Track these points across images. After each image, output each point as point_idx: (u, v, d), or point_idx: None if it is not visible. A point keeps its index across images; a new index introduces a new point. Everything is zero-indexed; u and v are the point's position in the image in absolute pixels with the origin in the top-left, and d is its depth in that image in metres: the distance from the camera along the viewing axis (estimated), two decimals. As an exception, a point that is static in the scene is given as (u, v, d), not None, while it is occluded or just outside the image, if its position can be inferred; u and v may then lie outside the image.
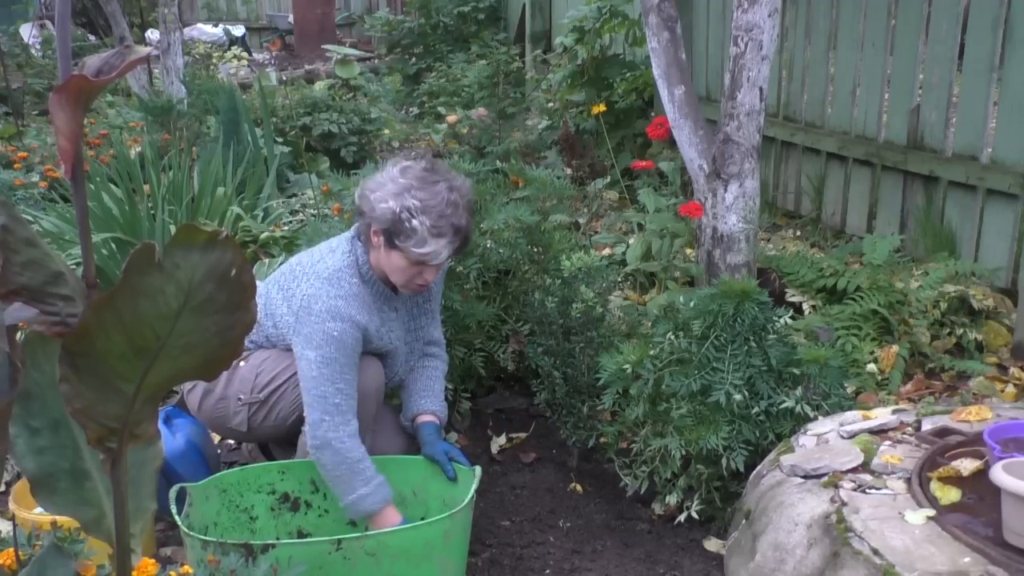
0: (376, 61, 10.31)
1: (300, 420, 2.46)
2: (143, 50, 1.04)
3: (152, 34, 9.46)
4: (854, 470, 2.16)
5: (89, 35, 10.05)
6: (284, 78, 8.74)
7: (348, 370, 2.39)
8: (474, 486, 2.24)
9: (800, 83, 4.64)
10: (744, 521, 2.26)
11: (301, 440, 2.51)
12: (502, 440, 3.11)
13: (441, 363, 2.73)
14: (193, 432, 2.65)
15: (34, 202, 4.62)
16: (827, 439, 2.32)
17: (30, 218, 4.10)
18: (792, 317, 2.74)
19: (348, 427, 2.35)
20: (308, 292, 2.45)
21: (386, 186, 2.38)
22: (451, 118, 6.17)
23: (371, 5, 13.23)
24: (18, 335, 1.12)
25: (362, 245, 2.48)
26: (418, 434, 2.57)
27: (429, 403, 2.64)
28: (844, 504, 2.02)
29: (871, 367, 3.02)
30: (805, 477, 2.17)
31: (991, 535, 1.83)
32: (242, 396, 2.53)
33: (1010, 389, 3.02)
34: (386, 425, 2.65)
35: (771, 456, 2.36)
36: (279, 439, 2.72)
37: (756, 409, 2.43)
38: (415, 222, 2.31)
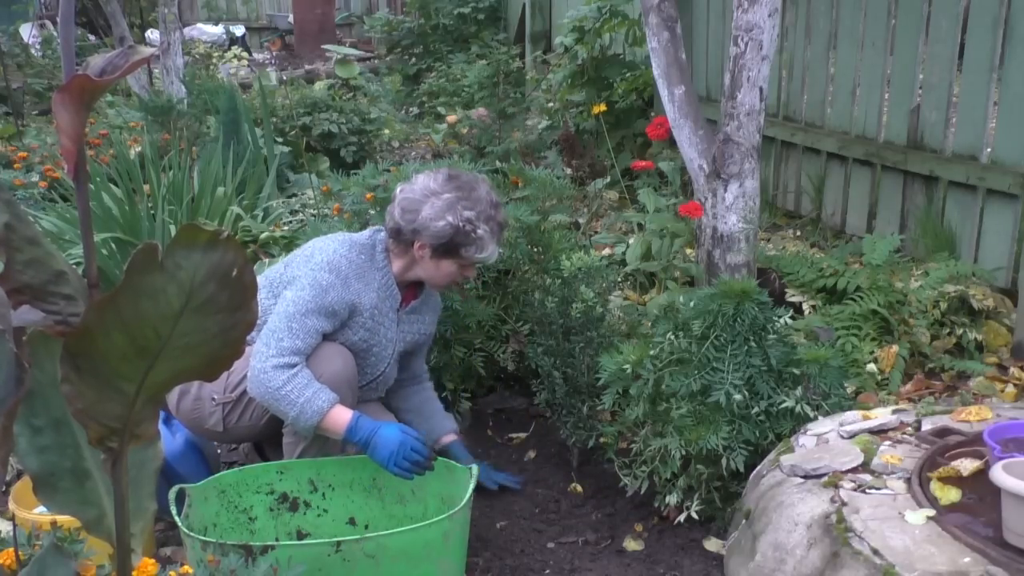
0: (376, 61, 10.31)
1: (275, 419, 2.45)
2: (147, 51, 1.04)
3: (152, 34, 9.46)
4: (854, 470, 2.16)
5: (89, 35, 10.05)
6: (284, 78, 8.73)
7: (311, 318, 2.38)
8: (472, 485, 2.24)
9: (800, 83, 4.64)
10: (744, 521, 2.26)
11: (286, 442, 2.51)
12: (502, 440, 3.11)
13: (432, 388, 2.86)
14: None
15: (34, 202, 4.61)
16: (827, 439, 2.32)
17: (30, 218, 4.10)
18: (792, 317, 2.74)
19: (278, 359, 2.32)
20: (317, 245, 2.51)
21: (430, 202, 2.43)
22: (451, 118, 6.17)
23: (371, 5, 13.23)
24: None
25: (383, 251, 2.51)
26: (449, 455, 2.63)
27: (443, 422, 2.76)
28: (844, 504, 2.02)
29: (871, 367, 3.02)
30: (805, 477, 2.17)
31: (991, 535, 1.83)
32: (216, 396, 2.50)
33: (1010, 389, 3.02)
34: (371, 408, 2.63)
35: (771, 456, 2.36)
36: (258, 439, 2.70)
37: (756, 409, 2.43)
38: (480, 231, 2.44)
